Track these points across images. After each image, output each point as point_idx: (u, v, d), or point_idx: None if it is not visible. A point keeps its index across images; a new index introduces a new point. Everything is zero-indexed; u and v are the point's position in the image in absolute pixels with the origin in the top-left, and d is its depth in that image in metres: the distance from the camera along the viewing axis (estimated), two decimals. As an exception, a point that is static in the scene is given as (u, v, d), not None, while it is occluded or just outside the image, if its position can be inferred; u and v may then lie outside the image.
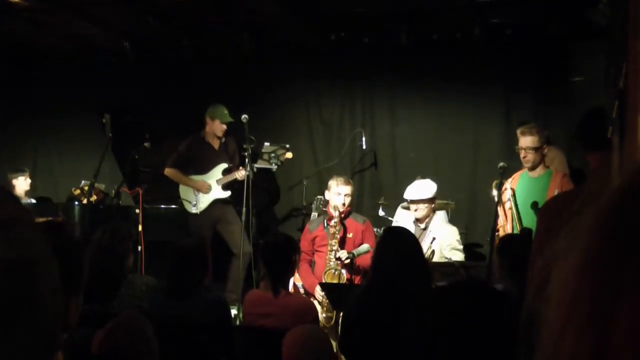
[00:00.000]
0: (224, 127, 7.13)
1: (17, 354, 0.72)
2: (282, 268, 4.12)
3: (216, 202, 7.09)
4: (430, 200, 5.93)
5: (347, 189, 5.94)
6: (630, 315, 0.52)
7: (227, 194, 7.10)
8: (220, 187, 7.10)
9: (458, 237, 5.92)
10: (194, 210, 7.09)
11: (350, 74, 8.10)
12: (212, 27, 7.82)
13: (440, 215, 6.31)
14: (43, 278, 0.76)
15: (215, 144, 7.22)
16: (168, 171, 7.17)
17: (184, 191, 7.18)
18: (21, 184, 8.20)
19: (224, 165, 7.16)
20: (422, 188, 5.98)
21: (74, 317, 1.65)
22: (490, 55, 7.44)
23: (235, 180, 6.97)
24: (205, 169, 7.16)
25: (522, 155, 5.28)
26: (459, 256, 5.74)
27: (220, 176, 7.13)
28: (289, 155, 7.19)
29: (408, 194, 6.01)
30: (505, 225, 5.35)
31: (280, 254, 4.12)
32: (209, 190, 7.09)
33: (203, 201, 7.09)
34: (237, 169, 7.09)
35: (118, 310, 3.48)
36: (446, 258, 5.61)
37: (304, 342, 2.98)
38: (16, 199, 0.82)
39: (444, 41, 7.51)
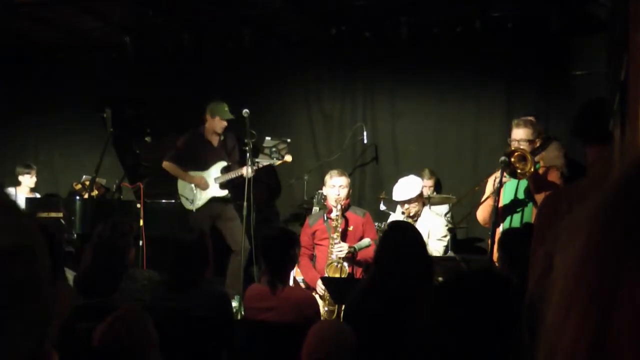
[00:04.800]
0: (224, 124, 7.09)
1: (18, 338, 0.72)
2: (282, 262, 4.13)
3: (214, 200, 7.08)
4: (418, 197, 5.99)
5: (342, 180, 5.96)
6: (630, 302, 0.52)
7: (224, 192, 7.08)
8: (217, 185, 7.08)
9: (446, 230, 6.05)
10: (190, 206, 7.08)
11: (351, 68, 8.08)
12: (212, 20, 7.81)
13: (434, 207, 6.39)
14: (40, 264, 0.76)
15: (214, 141, 7.20)
16: (166, 164, 7.16)
17: (182, 187, 7.18)
18: (26, 181, 8.26)
19: (223, 163, 7.14)
20: (408, 187, 6.05)
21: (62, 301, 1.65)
22: (491, 49, 7.42)
23: (241, 176, 6.93)
24: (204, 166, 7.15)
25: (514, 147, 5.30)
26: (441, 246, 5.86)
27: (219, 174, 7.10)
28: (288, 158, 7.15)
29: (396, 196, 6.07)
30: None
31: (280, 247, 4.13)
32: (206, 186, 7.08)
33: (200, 198, 7.08)
34: (237, 166, 7.07)
35: (119, 304, 3.49)
36: (435, 249, 5.74)
37: (326, 337, 2.96)
38: (1, 187, 0.83)
39: (445, 35, 7.49)
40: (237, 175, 6.93)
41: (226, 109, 7.06)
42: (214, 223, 7.06)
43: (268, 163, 7.12)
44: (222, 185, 7.08)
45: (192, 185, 7.11)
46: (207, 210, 7.06)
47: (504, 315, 1.52)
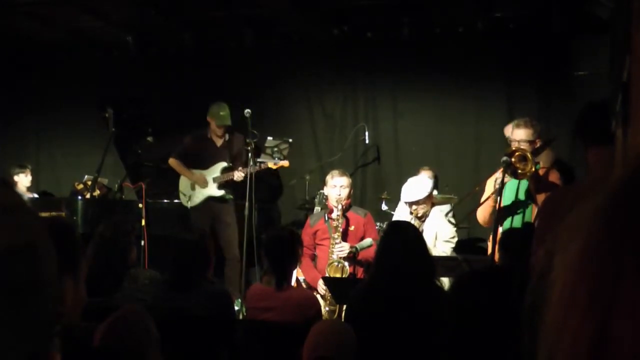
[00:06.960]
0: (221, 129, 7.05)
1: (22, 337, 0.72)
2: (286, 261, 4.13)
3: (211, 199, 7.09)
4: (427, 198, 5.95)
5: (343, 181, 5.95)
6: (630, 302, 0.52)
7: (221, 192, 7.08)
8: (215, 185, 7.09)
9: (454, 232, 5.97)
10: (186, 203, 7.14)
11: (352, 68, 8.09)
12: (213, 20, 7.82)
13: (440, 208, 6.33)
14: (44, 262, 0.76)
15: (218, 142, 7.19)
16: (171, 161, 7.21)
17: (183, 184, 7.23)
18: (22, 181, 8.26)
19: (224, 164, 7.12)
20: (418, 187, 5.95)
21: (70, 297, 1.64)
22: (493, 49, 7.43)
23: (232, 180, 6.93)
24: (206, 165, 7.16)
25: (514, 147, 5.29)
26: (449, 248, 5.80)
27: (218, 174, 7.11)
28: (285, 163, 7.08)
29: (405, 197, 5.99)
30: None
31: (283, 247, 4.12)
32: (205, 185, 7.10)
33: (197, 196, 7.10)
34: (242, 167, 7.04)
35: (120, 303, 3.49)
36: (443, 251, 5.66)
37: (328, 336, 2.96)
38: (11, 186, 0.83)
39: (447, 35, 7.50)
40: (230, 177, 6.92)
41: (222, 113, 6.97)
42: (212, 224, 7.07)
43: (265, 167, 7.05)
44: (220, 186, 7.08)
45: (191, 182, 7.14)
46: (207, 210, 7.08)
47: (503, 315, 1.52)
